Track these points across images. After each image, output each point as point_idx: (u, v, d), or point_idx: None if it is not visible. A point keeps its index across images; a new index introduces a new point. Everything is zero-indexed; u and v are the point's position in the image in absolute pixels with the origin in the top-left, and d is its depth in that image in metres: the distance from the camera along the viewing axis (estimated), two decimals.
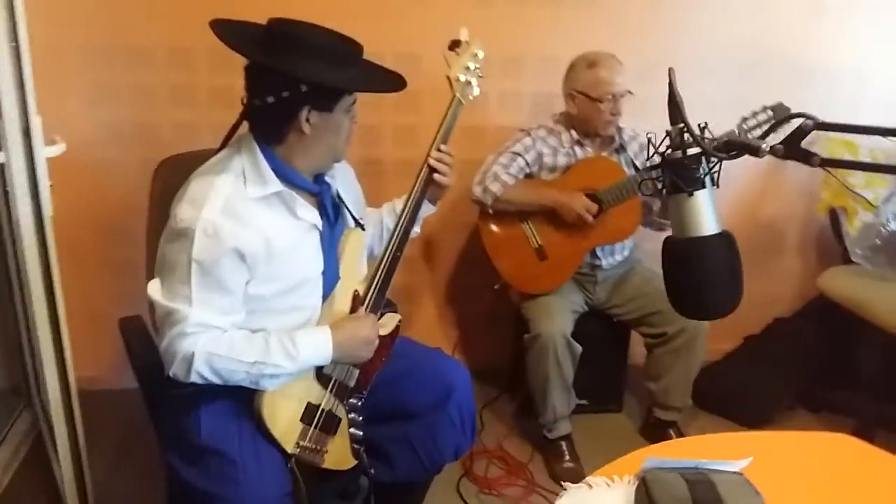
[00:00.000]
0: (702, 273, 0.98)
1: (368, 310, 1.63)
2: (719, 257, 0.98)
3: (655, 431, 2.60)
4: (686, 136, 0.92)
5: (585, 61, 2.34)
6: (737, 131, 2.19)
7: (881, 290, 2.59)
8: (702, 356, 2.47)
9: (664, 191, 0.96)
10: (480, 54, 1.74)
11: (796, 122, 0.87)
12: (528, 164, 2.39)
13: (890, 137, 0.87)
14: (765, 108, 2.19)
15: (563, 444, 2.45)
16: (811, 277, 2.90)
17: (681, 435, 2.56)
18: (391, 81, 1.62)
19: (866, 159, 2.84)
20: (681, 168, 0.94)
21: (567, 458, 2.43)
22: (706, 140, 0.93)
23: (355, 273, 1.69)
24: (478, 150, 2.46)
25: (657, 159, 0.96)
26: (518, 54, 2.64)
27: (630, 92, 2.32)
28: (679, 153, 0.93)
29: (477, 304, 2.81)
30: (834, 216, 2.84)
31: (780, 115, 2.14)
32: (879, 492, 1.29)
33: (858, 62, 2.92)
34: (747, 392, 2.81)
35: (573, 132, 2.42)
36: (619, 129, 2.44)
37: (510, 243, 2.42)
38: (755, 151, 0.88)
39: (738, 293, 0.99)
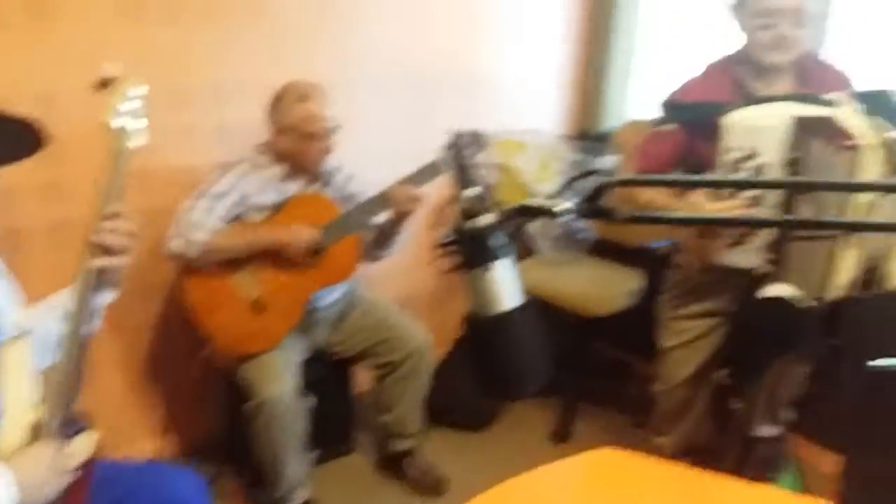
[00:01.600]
0: (512, 349, 0.87)
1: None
2: (525, 331, 0.87)
3: (394, 464, 2.51)
4: (480, 202, 0.80)
5: (295, 94, 2.11)
6: (445, 163, 2.13)
7: (561, 277, 2.87)
8: (429, 376, 2.42)
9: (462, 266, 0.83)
10: (140, 91, 1.39)
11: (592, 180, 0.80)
12: (233, 205, 2.08)
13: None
14: (460, 135, 2.16)
15: None
16: None
17: (419, 461, 2.50)
18: (27, 139, 1.24)
19: (533, 157, 3.08)
20: (476, 240, 0.82)
21: None
22: (500, 206, 0.82)
23: (25, 397, 1.26)
24: (147, 198, 2.07)
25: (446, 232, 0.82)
26: (183, 83, 2.26)
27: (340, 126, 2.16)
28: (474, 223, 0.81)
29: (179, 375, 2.41)
30: None
31: (477, 140, 2.13)
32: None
33: (516, 74, 3.14)
34: (468, 396, 2.86)
35: (281, 167, 2.17)
36: None
37: (221, 299, 2.10)
38: (553, 214, 0.80)
39: (548, 363, 0.89)
